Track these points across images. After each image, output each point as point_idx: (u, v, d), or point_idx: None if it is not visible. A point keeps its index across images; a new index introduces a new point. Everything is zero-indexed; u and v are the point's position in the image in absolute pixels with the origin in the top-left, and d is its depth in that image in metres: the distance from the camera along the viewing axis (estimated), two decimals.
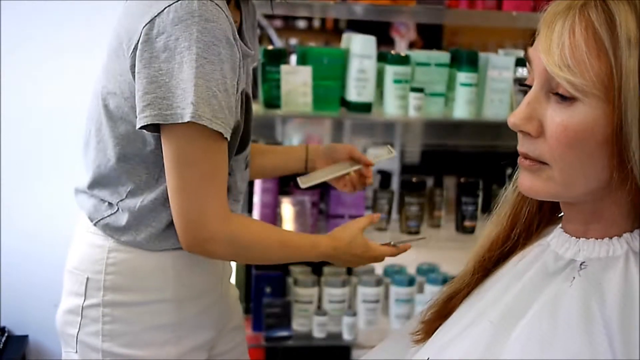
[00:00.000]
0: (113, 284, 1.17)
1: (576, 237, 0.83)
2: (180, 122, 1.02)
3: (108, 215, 1.18)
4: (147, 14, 1.03)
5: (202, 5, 1.01)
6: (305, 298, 2.03)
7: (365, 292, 2.06)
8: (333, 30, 5.99)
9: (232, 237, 1.13)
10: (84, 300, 1.18)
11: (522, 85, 0.83)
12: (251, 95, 1.24)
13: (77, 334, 1.18)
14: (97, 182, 1.19)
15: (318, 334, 2.03)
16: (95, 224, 1.19)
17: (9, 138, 1.89)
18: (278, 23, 5.55)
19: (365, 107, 1.90)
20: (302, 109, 1.87)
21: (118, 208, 1.17)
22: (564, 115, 0.75)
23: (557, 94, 0.76)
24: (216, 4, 1.03)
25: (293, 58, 2.10)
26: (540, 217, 0.93)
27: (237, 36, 1.09)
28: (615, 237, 0.80)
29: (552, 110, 0.77)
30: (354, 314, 2.04)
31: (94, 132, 1.17)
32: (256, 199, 1.99)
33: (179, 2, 1.01)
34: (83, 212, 1.22)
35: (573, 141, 0.75)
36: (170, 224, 1.15)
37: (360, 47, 1.88)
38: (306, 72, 1.85)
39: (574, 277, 0.80)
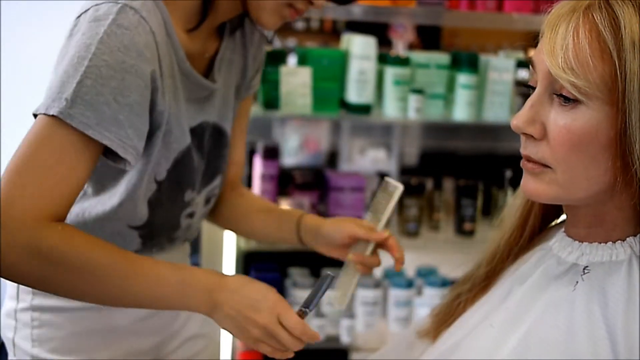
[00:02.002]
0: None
1: (579, 241, 0.83)
2: (44, 113, 0.90)
3: None
4: (79, 12, 0.98)
5: (121, 10, 0.93)
6: (303, 300, 2.02)
7: (363, 294, 2.05)
8: (331, 32, 5.99)
9: (39, 244, 0.88)
10: (17, 304, 1.14)
11: (526, 86, 0.82)
12: (226, 128, 1.17)
13: (13, 338, 1.14)
14: None
15: None
16: None
17: (10, 138, 1.88)
18: None
19: (365, 109, 1.90)
20: (302, 110, 1.86)
21: None
22: (567, 118, 0.75)
23: (560, 96, 0.75)
24: (141, 16, 0.95)
25: (291, 59, 2.10)
26: (543, 220, 0.93)
27: (179, 60, 1.03)
28: (619, 241, 0.80)
29: (555, 112, 0.76)
30: (352, 317, 2.04)
31: None
32: None
33: (104, 3, 0.95)
34: None
35: (576, 144, 0.75)
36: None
37: (360, 48, 1.87)
38: (306, 73, 1.85)
39: (576, 282, 0.80)
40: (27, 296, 1.12)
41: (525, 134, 0.79)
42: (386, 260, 1.31)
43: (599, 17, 0.73)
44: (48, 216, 0.89)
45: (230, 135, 1.20)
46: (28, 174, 0.89)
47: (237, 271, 2.05)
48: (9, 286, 1.15)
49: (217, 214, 1.29)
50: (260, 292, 0.98)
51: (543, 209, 0.91)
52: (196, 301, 0.95)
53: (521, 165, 0.82)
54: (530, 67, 0.81)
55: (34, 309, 1.12)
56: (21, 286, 1.12)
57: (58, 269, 0.90)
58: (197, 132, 1.10)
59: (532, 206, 0.91)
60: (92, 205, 1.06)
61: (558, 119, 0.76)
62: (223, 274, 0.98)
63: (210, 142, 1.15)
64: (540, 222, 0.92)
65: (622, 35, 0.72)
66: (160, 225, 1.11)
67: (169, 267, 0.96)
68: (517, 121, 0.79)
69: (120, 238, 1.08)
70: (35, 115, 0.93)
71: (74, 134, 0.90)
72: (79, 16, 0.96)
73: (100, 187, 1.06)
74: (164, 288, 0.94)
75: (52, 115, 0.89)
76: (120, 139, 0.93)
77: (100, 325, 1.13)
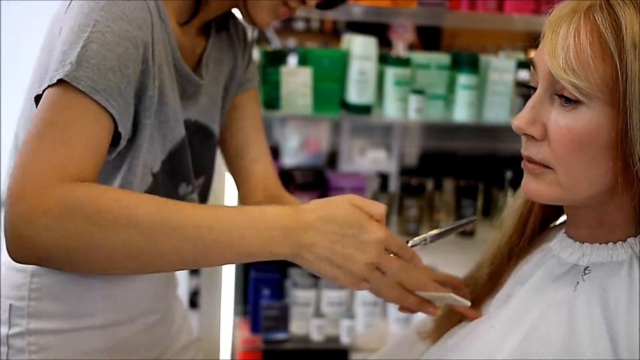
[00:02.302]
0: (38, 311, 1.04)
1: (580, 242, 0.83)
2: (51, 83, 0.84)
3: None
4: None
5: None
6: (303, 300, 2.03)
7: (364, 294, 2.05)
8: (331, 32, 6.00)
9: (69, 200, 0.77)
10: (9, 329, 1.04)
11: (526, 87, 0.82)
12: (213, 129, 1.13)
13: None
14: None
15: (316, 336, 2.02)
16: None
17: (10, 138, 1.88)
18: (277, 24, 5.56)
19: (365, 109, 1.90)
20: (302, 110, 1.86)
21: None
22: (568, 118, 0.75)
23: (561, 97, 0.75)
24: None
25: (292, 59, 2.10)
26: (543, 221, 0.93)
27: (172, 49, 1.00)
28: (619, 241, 0.80)
29: (556, 113, 0.76)
30: (353, 317, 2.04)
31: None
32: None
33: None
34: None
35: (577, 144, 0.75)
36: None
37: (360, 48, 1.87)
38: (306, 73, 1.85)
39: (577, 282, 0.80)
40: (22, 320, 1.04)
41: (526, 134, 0.79)
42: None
43: (600, 18, 0.73)
44: (72, 177, 0.79)
45: (217, 136, 1.17)
46: (41, 140, 0.81)
47: (237, 272, 2.06)
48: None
49: None
50: (353, 221, 0.81)
51: (543, 210, 0.91)
52: (275, 242, 0.79)
53: (522, 166, 0.82)
54: (531, 67, 0.81)
55: (30, 333, 1.04)
56: (13, 311, 1.05)
57: (97, 224, 0.76)
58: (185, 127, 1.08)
59: (532, 207, 0.91)
60: None
61: (559, 119, 0.76)
62: (293, 207, 0.83)
63: (197, 141, 1.12)
64: (540, 223, 0.92)
65: (623, 37, 0.72)
66: None
67: (230, 209, 0.82)
68: (518, 122, 0.79)
69: None
70: (38, 99, 0.86)
71: (82, 96, 0.83)
72: (69, 5, 0.92)
73: None
74: (233, 231, 0.79)
75: (58, 83, 0.83)
76: (120, 111, 0.87)
77: (104, 343, 1.09)
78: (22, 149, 0.81)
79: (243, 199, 1.25)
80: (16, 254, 0.79)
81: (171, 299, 1.22)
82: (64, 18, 0.91)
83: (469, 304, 0.92)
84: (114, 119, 0.86)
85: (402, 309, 1.03)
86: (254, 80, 1.25)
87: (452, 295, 0.94)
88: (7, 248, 0.79)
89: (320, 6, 1.11)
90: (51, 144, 0.81)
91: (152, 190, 1.04)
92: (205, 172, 1.17)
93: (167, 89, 1.00)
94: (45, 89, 0.85)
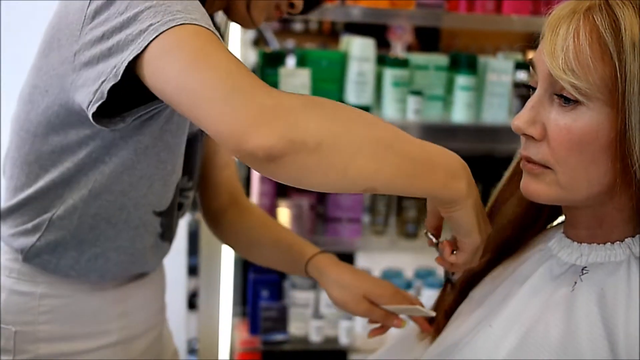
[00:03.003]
0: (50, 335, 1.01)
1: (578, 242, 0.83)
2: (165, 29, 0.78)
3: (38, 239, 0.99)
4: None
5: None
6: (302, 301, 2.03)
7: None
8: (330, 33, 6.01)
9: (304, 98, 0.79)
10: (14, 356, 1.00)
11: (526, 87, 0.83)
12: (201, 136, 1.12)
13: None
14: (23, 203, 0.99)
15: (315, 337, 2.02)
16: (24, 260, 1.00)
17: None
18: (275, 25, 5.57)
19: (364, 110, 1.90)
20: None
21: (48, 225, 0.98)
22: (568, 118, 0.75)
23: (561, 97, 0.76)
24: None
25: (290, 60, 2.10)
26: (540, 221, 0.93)
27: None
28: (617, 242, 0.80)
29: (555, 113, 0.77)
30: (351, 318, 2.04)
31: (18, 141, 1.00)
32: (253, 202, 1.98)
33: None
34: (4, 247, 1.04)
35: (576, 145, 0.75)
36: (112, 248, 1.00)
37: (359, 49, 1.88)
38: (305, 74, 1.85)
39: (575, 282, 0.80)
40: (31, 346, 1.01)
41: (525, 134, 0.79)
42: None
43: (599, 19, 0.73)
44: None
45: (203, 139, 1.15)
46: (214, 67, 0.76)
47: (236, 273, 2.06)
48: (1, 340, 1.02)
49: (224, 232, 1.24)
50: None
51: (538, 210, 0.92)
52: (458, 174, 0.82)
53: (521, 166, 0.82)
54: (531, 68, 0.81)
55: (41, 358, 1.01)
56: (19, 337, 1.01)
57: (327, 110, 0.79)
58: None
59: (526, 206, 0.92)
60: (126, 190, 0.97)
61: (558, 119, 0.76)
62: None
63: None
64: (530, 220, 0.93)
65: (622, 37, 0.72)
66: (172, 211, 1.06)
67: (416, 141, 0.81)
68: (518, 122, 0.79)
69: (144, 229, 1.02)
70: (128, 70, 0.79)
71: (207, 31, 0.79)
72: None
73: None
74: (439, 155, 0.81)
75: (174, 28, 0.77)
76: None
77: None
78: (192, 88, 0.76)
79: (208, 202, 1.24)
80: (272, 140, 0.73)
81: (164, 311, 1.23)
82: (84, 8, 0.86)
83: (434, 314, 0.98)
84: None
85: (371, 333, 1.08)
86: None
87: (418, 307, 1.00)
88: (255, 143, 0.73)
89: (301, 11, 1.11)
90: (234, 63, 0.78)
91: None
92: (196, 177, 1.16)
93: None
94: (146, 47, 0.78)
